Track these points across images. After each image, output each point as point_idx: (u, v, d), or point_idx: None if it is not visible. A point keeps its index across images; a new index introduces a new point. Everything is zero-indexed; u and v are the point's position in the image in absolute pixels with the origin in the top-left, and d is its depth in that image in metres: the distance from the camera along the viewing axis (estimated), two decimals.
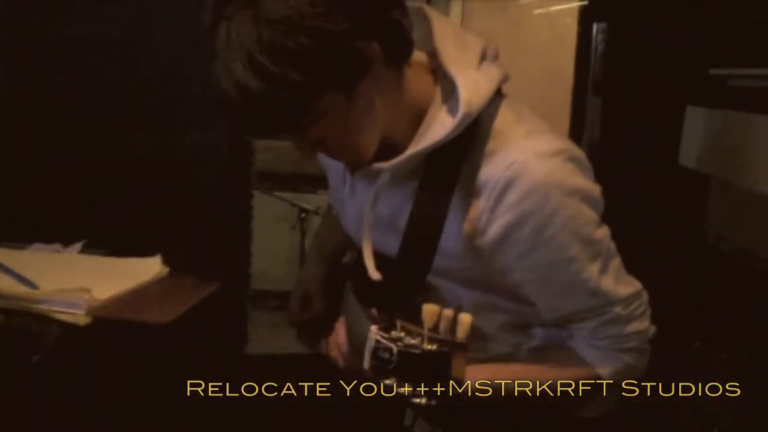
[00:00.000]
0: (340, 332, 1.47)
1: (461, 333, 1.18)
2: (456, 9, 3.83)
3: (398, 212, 1.46)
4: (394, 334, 1.21)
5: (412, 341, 1.19)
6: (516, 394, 1.45)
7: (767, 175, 2.31)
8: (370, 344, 1.22)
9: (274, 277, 3.80)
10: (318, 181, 4.24)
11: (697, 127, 2.80)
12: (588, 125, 3.34)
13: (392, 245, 1.46)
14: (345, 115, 1.32)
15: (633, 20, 3.08)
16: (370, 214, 1.45)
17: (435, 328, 1.20)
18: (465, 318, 1.17)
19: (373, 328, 1.22)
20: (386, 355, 1.19)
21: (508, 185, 1.33)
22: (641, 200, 2.87)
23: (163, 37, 2.15)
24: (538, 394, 1.46)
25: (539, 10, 3.71)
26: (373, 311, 1.34)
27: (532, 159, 1.33)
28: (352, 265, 1.71)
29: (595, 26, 3.22)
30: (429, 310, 1.19)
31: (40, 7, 2.16)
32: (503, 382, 1.43)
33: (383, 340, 1.20)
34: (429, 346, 1.17)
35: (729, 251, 2.68)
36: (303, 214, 4.35)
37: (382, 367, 1.20)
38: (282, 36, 1.21)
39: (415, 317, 1.29)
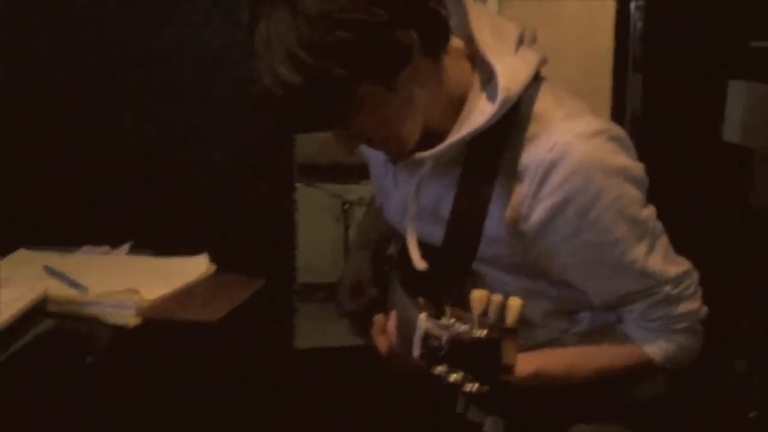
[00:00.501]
0: (389, 321, 1.46)
1: (511, 318, 1.17)
2: (488, 9, 3.81)
3: (441, 201, 1.46)
4: (443, 321, 1.20)
5: (462, 328, 1.17)
6: (568, 380, 1.45)
7: None
8: (419, 332, 1.20)
9: (320, 269, 3.81)
10: (360, 172, 4.20)
11: (739, 101, 2.77)
12: (630, 104, 3.31)
13: (436, 234, 1.46)
14: (386, 107, 1.32)
15: None
16: (413, 204, 1.45)
17: (484, 314, 1.19)
18: (514, 303, 1.17)
19: (422, 315, 1.21)
20: (436, 343, 1.18)
21: (551, 168, 1.33)
22: (686, 177, 2.84)
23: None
24: (590, 379, 1.46)
25: None
26: (421, 300, 1.34)
27: (573, 140, 1.33)
28: (397, 256, 1.71)
29: (632, 3, 3.19)
30: (478, 296, 1.18)
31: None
32: (555, 370, 1.43)
33: (433, 328, 1.19)
34: (479, 333, 1.16)
35: None
36: (346, 205, 4.36)
37: (432, 355, 1.19)
38: (322, 31, 1.22)
39: (464, 305, 1.29)
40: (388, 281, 1.82)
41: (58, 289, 1.65)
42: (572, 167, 1.32)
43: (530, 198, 1.36)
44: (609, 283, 1.43)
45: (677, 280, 1.43)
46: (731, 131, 2.81)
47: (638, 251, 1.39)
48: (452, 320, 1.19)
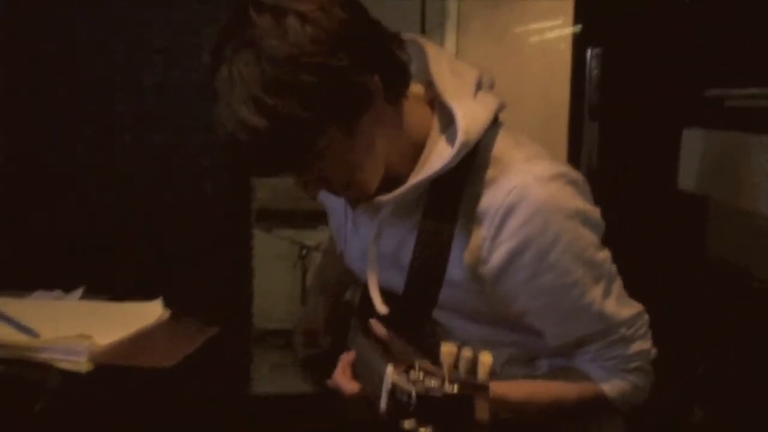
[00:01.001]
0: (344, 368, 1.45)
1: (482, 373, 1.15)
2: (451, 38, 3.85)
3: (401, 247, 1.46)
4: (412, 375, 1.18)
5: (432, 383, 1.14)
6: (527, 407, 1.44)
7: (766, 196, 2.31)
8: (386, 386, 1.18)
9: (277, 315, 3.80)
10: (318, 217, 4.21)
11: (694, 148, 2.80)
12: (586, 150, 3.34)
13: (397, 281, 1.46)
14: (348, 151, 1.32)
15: (626, 44, 3.09)
16: (374, 248, 1.45)
17: (454, 368, 1.17)
18: (485, 358, 1.15)
19: (390, 368, 1.19)
20: (404, 398, 1.15)
21: (509, 211, 1.34)
22: (641, 224, 2.86)
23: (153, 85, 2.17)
24: (549, 408, 1.46)
25: (534, 38, 3.73)
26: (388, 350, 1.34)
27: (532, 183, 1.34)
28: (358, 303, 1.70)
29: (589, 51, 3.23)
30: (447, 350, 1.16)
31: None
32: (514, 395, 1.42)
33: (401, 382, 1.17)
34: (450, 388, 1.13)
35: (730, 273, 2.67)
36: (304, 251, 4.35)
37: (399, 408, 1.16)
38: (285, 74, 1.22)
39: (424, 352, 1.28)
40: (345, 327, 1.81)
41: (7, 334, 1.62)
42: (530, 211, 1.33)
43: (489, 241, 1.36)
44: (567, 326, 1.43)
45: (631, 322, 1.45)
46: (686, 179, 2.85)
47: (595, 293, 1.40)
48: (421, 374, 1.17)
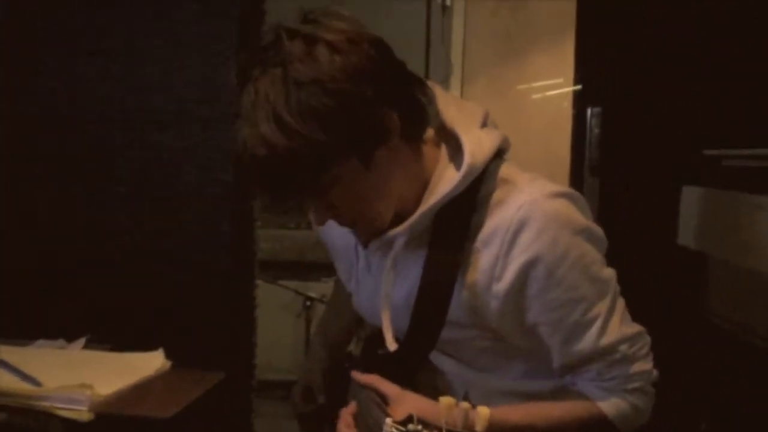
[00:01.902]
0: (347, 419, 1.46)
1: (480, 426, 1.16)
2: (455, 92, 3.88)
3: (413, 290, 1.47)
4: (411, 427, 1.19)
5: None
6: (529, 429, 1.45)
7: (764, 254, 2.32)
8: None
9: (280, 366, 3.79)
10: (322, 269, 4.25)
11: (693, 206, 2.82)
12: None
13: (405, 323, 1.48)
14: (361, 184, 1.35)
15: (626, 103, 3.13)
16: (388, 280, 1.47)
17: (452, 421, 1.18)
18: (483, 411, 1.16)
19: (388, 421, 1.20)
20: None
21: (521, 226, 1.37)
22: (641, 280, 2.86)
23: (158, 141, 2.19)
24: (550, 428, 1.46)
25: (536, 95, 3.77)
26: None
27: (540, 199, 1.37)
28: (362, 351, 1.72)
29: (589, 111, 3.27)
30: (446, 402, 1.18)
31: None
32: (514, 418, 1.43)
33: None
34: None
35: (730, 329, 2.67)
36: (308, 302, 4.35)
37: None
38: (309, 96, 1.26)
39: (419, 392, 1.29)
40: (346, 380, 1.82)
41: (10, 383, 1.63)
42: (541, 225, 1.36)
43: (502, 258, 1.39)
44: (573, 341, 1.44)
45: (633, 340, 1.46)
46: (685, 236, 2.86)
47: (600, 309, 1.42)
48: (419, 426, 1.19)
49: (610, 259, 1.46)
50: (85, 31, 2.19)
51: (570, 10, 3.62)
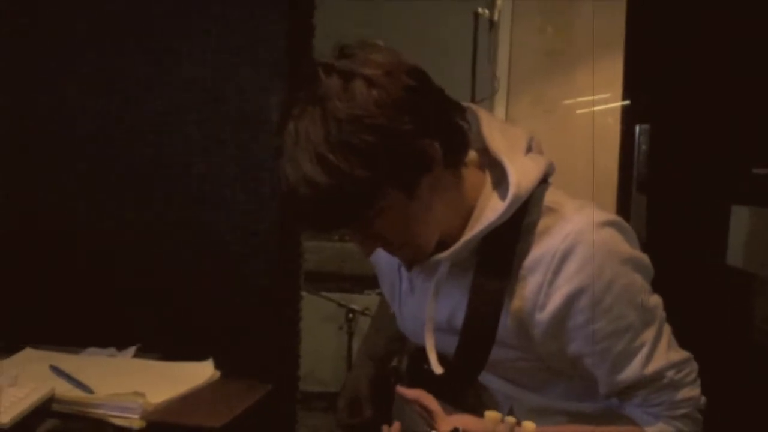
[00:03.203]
0: None
1: None
2: (500, 110, 3.88)
3: (456, 312, 1.47)
4: None
5: None
6: None
7: None
8: None
9: (322, 378, 3.81)
10: (365, 282, 4.27)
11: (742, 226, 2.80)
12: (633, 223, 3.33)
13: (450, 347, 1.47)
14: (405, 212, 1.35)
15: (674, 120, 3.11)
16: (432, 305, 1.47)
17: None
18: (528, 426, 1.17)
19: None
20: None
21: (565, 256, 1.36)
22: (688, 299, 2.85)
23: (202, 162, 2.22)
24: None
25: (582, 111, 3.76)
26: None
27: (586, 229, 1.36)
28: (407, 367, 1.72)
29: (637, 127, 3.26)
30: (491, 416, 1.18)
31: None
32: None
33: None
34: None
35: None
36: (350, 315, 4.36)
37: None
38: (349, 134, 1.26)
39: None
40: (390, 395, 1.82)
41: (64, 390, 1.66)
42: (586, 256, 1.35)
43: (546, 286, 1.38)
44: (619, 370, 1.43)
45: (680, 366, 1.44)
46: (734, 256, 2.84)
47: (646, 337, 1.41)
48: None
49: (657, 277, 1.45)
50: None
51: (618, 25, 3.60)
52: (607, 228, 1.38)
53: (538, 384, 1.53)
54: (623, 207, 3.40)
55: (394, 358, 1.96)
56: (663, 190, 3.22)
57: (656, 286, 1.46)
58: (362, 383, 1.93)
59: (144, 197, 2.22)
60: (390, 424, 1.51)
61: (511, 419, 1.18)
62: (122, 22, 2.23)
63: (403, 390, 1.44)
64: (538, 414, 1.49)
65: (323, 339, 4.43)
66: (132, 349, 2.01)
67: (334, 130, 1.26)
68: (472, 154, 1.48)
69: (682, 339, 1.48)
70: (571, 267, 1.36)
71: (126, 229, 2.22)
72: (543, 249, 1.39)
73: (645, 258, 1.43)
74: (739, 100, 2.87)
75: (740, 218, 2.81)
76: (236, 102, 2.18)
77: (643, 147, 3.25)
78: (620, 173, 3.45)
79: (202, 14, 2.19)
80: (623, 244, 1.40)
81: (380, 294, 1.88)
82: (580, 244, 1.35)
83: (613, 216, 1.43)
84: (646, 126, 3.25)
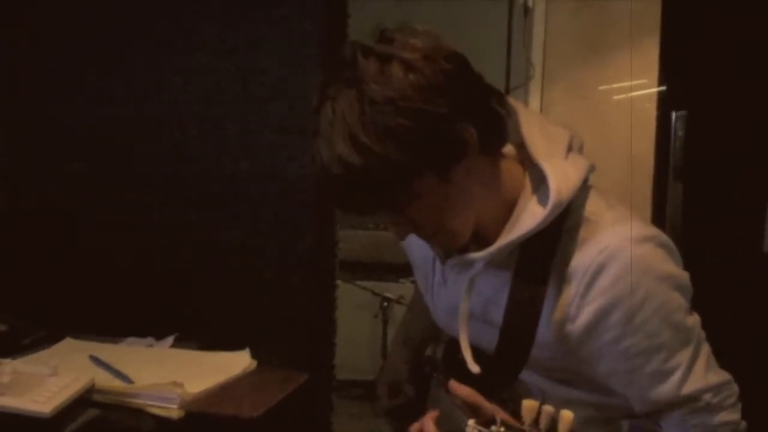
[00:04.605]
0: (429, 426, 1.44)
1: (563, 430, 1.17)
2: (535, 97, 3.86)
3: (490, 305, 1.47)
4: (493, 429, 1.19)
5: None
6: None
7: None
8: None
9: (357, 366, 3.82)
10: (400, 270, 4.27)
11: None
12: (670, 210, 3.32)
13: (485, 338, 1.47)
14: (440, 198, 1.35)
15: (712, 106, 3.07)
16: (466, 304, 1.46)
17: (535, 423, 1.18)
18: (567, 415, 1.16)
19: (471, 422, 1.21)
20: None
21: (599, 270, 1.34)
22: (726, 287, 2.83)
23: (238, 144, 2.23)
24: None
25: (618, 97, 3.73)
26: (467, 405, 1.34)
27: (623, 244, 1.34)
28: (442, 357, 1.72)
29: (674, 113, 3.22)
30: (529, 405, 1.18)
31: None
32: None
33: None
34: None
35: None
36: (385, 303, 4.37)
37: None
38: (384, 116, 1.26)
39: (507, 410, 1.29)
40: (427, 381, 1.83)
41: (103, 379, 1.68)
42: (620, 271, 1.34)
43: (578, 299, 1.37)
44: (651, 389, 1.41)
45: (718, 389, 1.42)
46: None
47: (682, 357, 1.38)
48: (502, 429, 1.19)
49: (692, 265, 1.44)
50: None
51: (654, 9, 3.57)
52: (645, 244, 1.36)
53: (572, 378, 1.52)
54: (659, 194, 3.38)
55: (428, 345, 1.96)
56: (699, 178, 3.18)
57: (692, 274, 1.44)
58: (401, 368, 1.93)
59: (179, 189, 2.23)
60: (423, 412, 1.51)
61: (549, 408, 1.17)
62: (150, 10, 2.24)
63: (455, 387, 1.42)
64: (568, 405, 1.49)
65: (358, 327, 4.45)
66: (170, 339, 2.03)
67: (369, 111, 1.26)
68: (510, 149, 1.47)
69: (717, 327, 1.46)
70: (604, 282, 1.35)
71: (164, 220, 2.24)
72: (579, 260, 1.37)
73: (684, 276, 1.41)
74: None
75: None
76: (270, 92, 2.19)
77: (680, 133, 3.21)
78: (656, 160, 3.42)
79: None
80: (661, 262, 1.37)
81: (414, 282, 1.89)
82: (614, 259, 1.34)
83: (653, 231, 1.40)
84: (682, 112, 3.21)
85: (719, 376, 1.43)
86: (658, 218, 3.32)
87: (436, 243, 1.49)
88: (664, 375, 1.39)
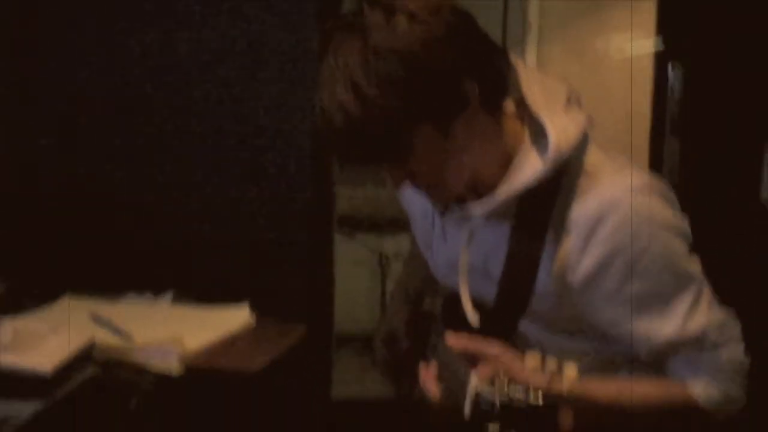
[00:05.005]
0: (429, 386, 1.45)
1: (566, 386, 1.17)
2: (531, 53, 3.85)
3: (490, 256, 1.48)
4: (496, 383, 1.20)
5: (517, 394, 1.17)
6: (612, 406, 1.44)
7: None
8: (471, 393, 1.20)
9: (356, 319, 3.83)
10: (398, 224, 4.26)
11: None
12: (667, 165, 3.31)
13: (484, 289, 1.48)
14: (438, 151, 1.35)
15: (709, 61, 3.06)
16: (465, 256, 1.48)
17: (538, 378, 1.19)
18: (571, 369, 1.17)
19: (474, 377, 1.21)
20: (488, 406, 1.18)
21: (600, 220, 1.35)
22: (724, 238, 2.83)
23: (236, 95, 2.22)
24: (634, 407, 1.45)
25: (615, 53, 3.71)
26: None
27: (623, 194, 1.35)
28: (441, 310, 1.73)
29: (670, 67, 3.21)
30: (532, 360, 1.19)
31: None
32: (597, 392, 1.41)
33: (485, 390, 1.19)
34: (535, 400, 1.16)
35: None
36: (383, 257, 4.37)
37: (483, 415, 1.19)
38: (387, 66, 1.26)
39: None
40: (425, 334, 1.84)
41: (103, 337, 1.68)
42: (621, 220, 1.34)
43: (579, 249, 1.38)
44: (656, 334, 1.41)
45: (721, 328, 1.43)
46: None
47: (684, 300, 1.40)
48: (505, 382, 1.20)
49: (691, 218, 1.44)
50: None
51: None
52: (645, 192, 1.36)
53: (570, 328, 1.53)
54: (656, 150, 3.37)
55: (426, 299, 1.97)
56: (696, 131, 3.18)
57: (693, 226, 1.43)
58: (398, 322, 1.94)
59: (177, 145, 2.23)
60: (424, 365, 1.52)
61: (552, 363, 1.18)
62: None
63: (453, 339, 1.42)
64: (566, 356, 1.50)
65: (356, 281, 4.45)
66: (169, 295, 2.03)
67: (373, 61, 1.26)
68: (510, 104, 1.47)
69: (718, 279, 1.46)
70: (604, 231, 1.35)
71: (160, 174, 2.24)
72: (578, 211, 1.37)
73: (684, 222, 1.42)
74: None
75: None
76: (272, 47, 2.18)
77: (677, 88, 3.20)
78: (653, 115, 3.41)
79: None
80: (661, 209, 1.38)
81: (412, 237, 1.89)
82: (615, 209, 1.34)
83: (652, 179, 1.41)
84: (679, 66, 3.20)
85: (721, 313, 1.45)
86: (656, 172, 3.31)
87: (432, 196, 1.49)
88: (667, 318, 1.40)
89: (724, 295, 1.48)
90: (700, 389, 1.45)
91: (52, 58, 2.25)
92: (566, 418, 1.16)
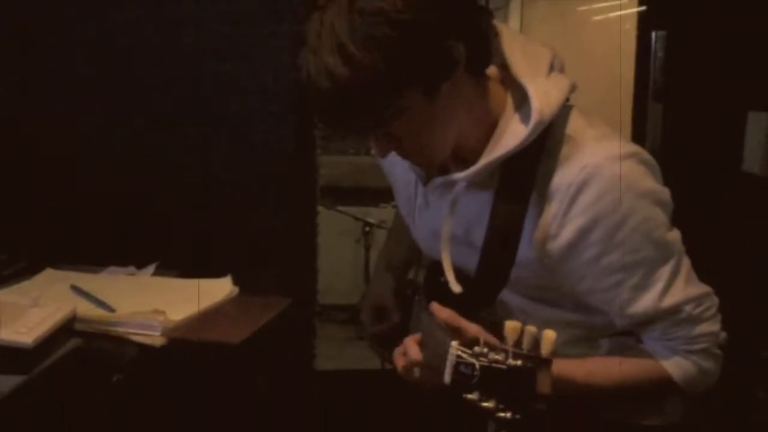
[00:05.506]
0: (412, 348, 1.45)
1: (546, 349, 1.18)
2: (515, 17, 3.84)
3: (472, 225, 1.48)
4: (476, 349, 1.21)
5: (496, 357, 1.19)
6: (587, 387, 1.46)
7: None
8: (450, 359, 1.22)
9: (340, 291, 3.84)
10: (381, 195, 4.28)
11: (760, 132, 2.77)
12: (649, 131, 3.31)
13: (466, 258, 1.48)
14: (424, 116, 1.35)
15: (692, 26, 3.05)
16: (448, 224, 1.48)
17: (517, 344, 1.20)
18: (549, 334, 1.18)
19: (454, 343, 1.23)
20: (468, 371, 1.20)
21: (581, 188, 1.36)
22: (705, 207, 2.83)
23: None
24: (609, 389, 1.47)
25: (598, 17, 3.70)
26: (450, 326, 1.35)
27: (604, 162, 1.36)
28: (424, 279, 1.73)
29: (653, 34, 3.20)
30: (511, 326, 1.19)
31: None
32: (573, 374, 1.44)
33: (465, 356, 1.21)
34: (514, 362, 1.18)
35: None
36: (367, 228, 4.38)
37: (463, 382, 1.20)
38: (373, 27, 1.25)
39: (489, 331, 1.30)
40: (410, 305, 1.84)
41: (85, 309, 1.68)
42: (602, 188, 1.35)
43: (560, 217, 1.39)
44: (633, 304, 1.43)
45: (698, 301, 1.45)
46: (751, 162, 2.82)
47: (662, 271, 1.41)
48: (485, 349, 1.21)
49: (673, 186, 1.44)
50: None
51: None
52: (627, 161, 1.37)
53: (551, 297, 1.53)
54: (639, 115, 3.37)
55: (410, 269, 1.97)
56: (679, 98, 3.17)
57: (674, 193, 1.44)
58: (385, 292, 1.94)
59: (158, 114, 2.22)
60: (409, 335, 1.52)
61: (531, 329, 1.19)
62: None
63: (436, 308, 1.43)
64: (549, 325, 1.50)
65: (341, 253, 4.46)
66: (151, 267, 2.03)
67: (359, 22, 1.25)
68: (493, 69, 1.47)
69: (699, 247, 1.47)
70: (585, 199, 1.36)
71: (142, 146, 2.23)
72: (560, 179, 1.38)
73: (665, 192, 1.42)
74: (758, 5, 2.81)
75: (757, 124, 2.78)
76: (252, 16, 2.17)
77: (660, 54, 3.19)
78: (636, 82, 3.40)
79: None
80: (643, 178, 1.39)
81: (396, 207, 1.89)
82: (596, 177, 1.35)
83: (634, 147, 1.41)
84: (662, 32, 3.19)
85: (699, 288, 1.46)
86: (638, 140, 3.32)
87: (416, 162, 1.49)
88: (645, 289, 1.42)
89: (703, 265, 1.49)
90: (674, 366, 1.47)
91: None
92: (545, 381, 1.17)
